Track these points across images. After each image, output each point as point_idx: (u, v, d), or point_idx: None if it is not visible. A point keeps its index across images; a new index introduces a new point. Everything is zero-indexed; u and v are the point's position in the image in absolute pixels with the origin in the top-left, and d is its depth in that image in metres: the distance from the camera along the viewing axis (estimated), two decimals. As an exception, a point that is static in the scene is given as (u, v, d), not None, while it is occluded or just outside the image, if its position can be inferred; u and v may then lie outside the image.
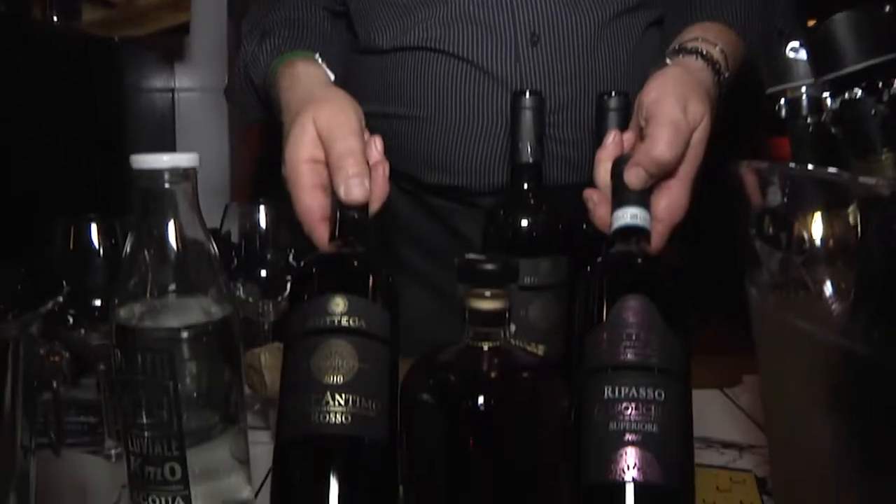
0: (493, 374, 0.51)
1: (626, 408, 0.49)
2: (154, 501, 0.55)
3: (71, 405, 0.88)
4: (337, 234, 0.58)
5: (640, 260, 0.55)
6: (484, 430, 0.48)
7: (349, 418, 0.48)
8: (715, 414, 0.83)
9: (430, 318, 0.82)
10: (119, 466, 0.63)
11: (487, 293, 0.49)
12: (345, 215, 0.58)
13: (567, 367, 0.54)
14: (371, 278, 0.53)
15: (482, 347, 0.50)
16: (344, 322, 0.50)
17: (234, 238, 0.82)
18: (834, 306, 0.51)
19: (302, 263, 0.56)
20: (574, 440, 0.50)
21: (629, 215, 0.57)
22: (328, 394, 0.48)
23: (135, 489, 0.55)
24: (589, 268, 0.55)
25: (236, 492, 0.58)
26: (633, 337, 0.50)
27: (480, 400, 0.48)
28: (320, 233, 0.60)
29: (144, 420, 0.53)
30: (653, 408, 0.48)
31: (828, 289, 0.52)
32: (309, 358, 0.49)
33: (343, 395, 0.48)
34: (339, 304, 0.50)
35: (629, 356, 0.50)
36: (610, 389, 0.49)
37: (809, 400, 0.49)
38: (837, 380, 0.47)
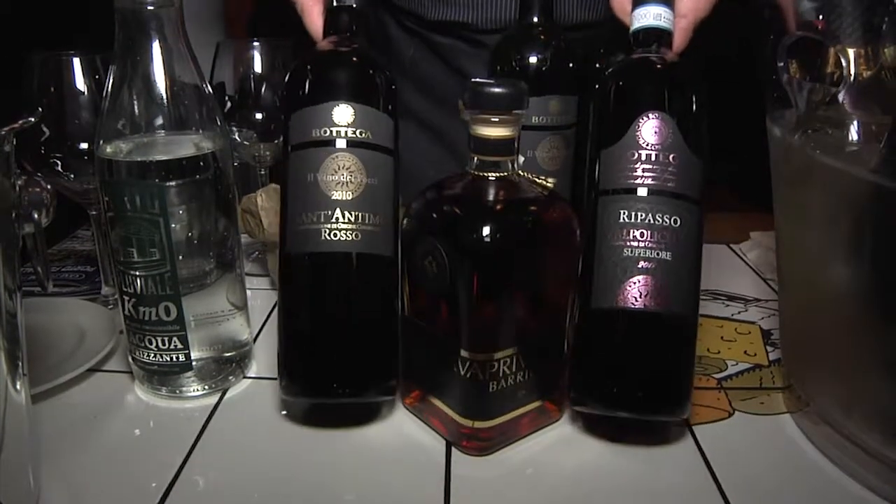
0: (498, 206, 0.48)
1: (642, 234, 0.47)
2: (150, 342, 0.54)
3: (68, 256, 0.87)
4: (332, 29, 0.54)
5: (661, 71, 0.51)
6: (488, 265, 0.46)
7: (358, 235, 0.49)
8: (721, 268, 0.83)
9: (431, 164, 0.79)
10: (116, 313, 0.62)
11: (495, 118, 0.46)
12: (340, 6, 0.53)
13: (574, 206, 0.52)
14: (374, 81, 0.50)
15: (488, 177, 0.48)
16: (350, 134, 0.49)
17: (229, 89, 0.78)
18: (863, 146, 0.48)
19: (297, 61, 0.52)
20: (585, 264, 0.50)
21: (651, 15, 0.52)
22: (338, 210, 0.48)
23: (131, 331, 0.55)
24: (607, 72, 0.52)
25: (234, 335, 0.58)
26: (652, 158, 0.47)
27: (485, 232, 0.45)
28: (314, 17, 0.55)
29: (136, 259, 0.51)
30: (668, 235, 0.47)
31: (857, 128, 0.49)
32: (316, 171, 0.49)
33: (352, 213, 0.49)
34: (344, 113, 0.48)
35: (647, 180, 0.47)
36: (625, 214, 0.48)
37: (831, 240, 0.47)
38: (862, 218, 0.44)
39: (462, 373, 0.48)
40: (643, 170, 0.48)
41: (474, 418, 0.49)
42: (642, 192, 0.48)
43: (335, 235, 0.49)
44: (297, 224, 0.49)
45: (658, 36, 0.52)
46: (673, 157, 0.47)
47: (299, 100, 0.50)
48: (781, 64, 0.50)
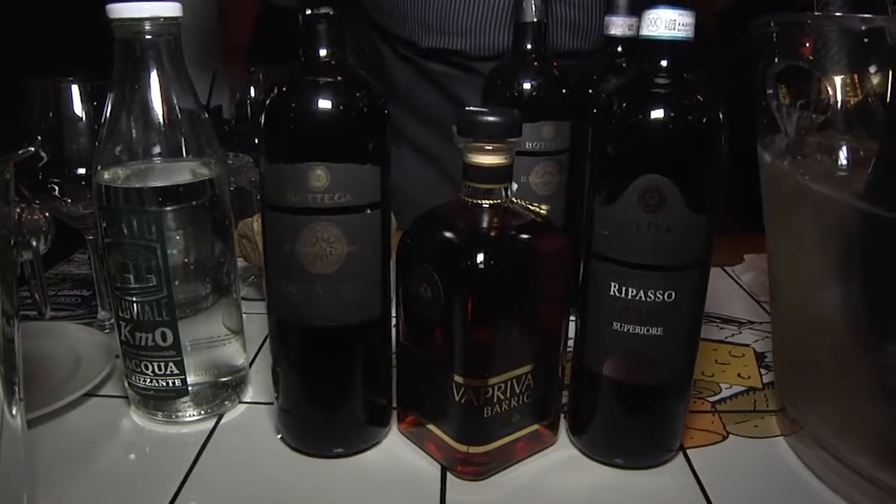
0: (493, 233, 0.48)
1: (631, 309, 0.46)
2: (146, 368, 0.54)
3: (65, 279, 0.87)
4: (310, 45, 0.46)
5: (665, 114, 0.43)
6: (483, 292, 0.46)
7: (339, 309, 0.48)
8: (715, 291, 0.83)
9: (426, 190, 0.80)
10: (112, 337, 0.62)
11: (489, 146, 0.46)
12: (315, 14, 0.45)
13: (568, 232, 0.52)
14: (356, 119, 0.46)
15: (482, 205, 0.48)
16: (328, 200, 0.45)
17: (225, 113, 0.79)
18: (852, 172, 0.49)
19: (272, 89, 0.46)
20: (580, 314, 0.50)
21: (664, 22, 0.43)
22: (317, 285, 0.47)
23: (127, 356, 0.55)
24: (604, 98, 0.47)
25: (230, 360, 0.58)
26: (648, 229, 0.44)
27: (480, 258, 0.46)
28: None
29: (133, 285, 0.51)
30: (660, 310, 0.46)
31: (846, 154, 0.50)
32: (293, 242, 0.46)
33: (333, 286, 0.47)
34: (320, 177, 0.45)
35: (641, 256, 0.45)
36: (616, 287, 0.46)
37: (821, 265, 0.48)
38: (852, 244, 0.45)
39: (457, 398, 0.48)
40: (637, 243, 0.45)
41: (469, 443, 0.49)
42: (637, 266, 0.45)
43: (315, 310, 0.48)
44: (278, 290, 0.48)
45: (671, 48, 0.44)
46: (671, 227, 0.44)
47: (273, 150, 0.46)
48: (770, 91, 0.50)
